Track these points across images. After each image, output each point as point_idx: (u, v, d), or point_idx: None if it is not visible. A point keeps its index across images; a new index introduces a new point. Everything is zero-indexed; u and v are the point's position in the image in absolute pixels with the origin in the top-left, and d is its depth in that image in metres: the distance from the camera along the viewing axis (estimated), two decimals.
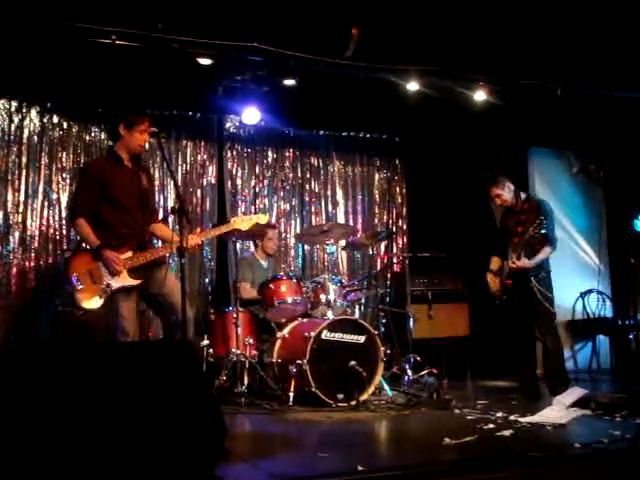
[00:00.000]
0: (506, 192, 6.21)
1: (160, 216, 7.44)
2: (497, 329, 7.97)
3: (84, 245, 5.20)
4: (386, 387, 5.84)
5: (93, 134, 7.55)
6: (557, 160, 9.06)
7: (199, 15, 5.68)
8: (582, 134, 8.38)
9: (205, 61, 6.22)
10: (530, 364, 6.16)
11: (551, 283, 6.11)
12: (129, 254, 4.98)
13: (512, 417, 4.76)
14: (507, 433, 4.21)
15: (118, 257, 4.90)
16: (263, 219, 5.64)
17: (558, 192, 8.89)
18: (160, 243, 5.67)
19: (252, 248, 7.40)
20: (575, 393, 5.24)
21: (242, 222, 5.49)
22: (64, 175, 7.37)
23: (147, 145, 7.44)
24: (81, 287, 4.86)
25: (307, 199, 8.58)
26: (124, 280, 4.93)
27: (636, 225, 8.03)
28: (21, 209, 7.10)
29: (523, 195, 6.29)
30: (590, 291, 8.80)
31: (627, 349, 8.49)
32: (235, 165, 8.21)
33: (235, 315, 5.99)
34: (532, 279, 5.96)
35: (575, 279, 8.77)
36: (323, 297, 6.18)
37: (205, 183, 8.01)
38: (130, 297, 5.01)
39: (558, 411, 4.88)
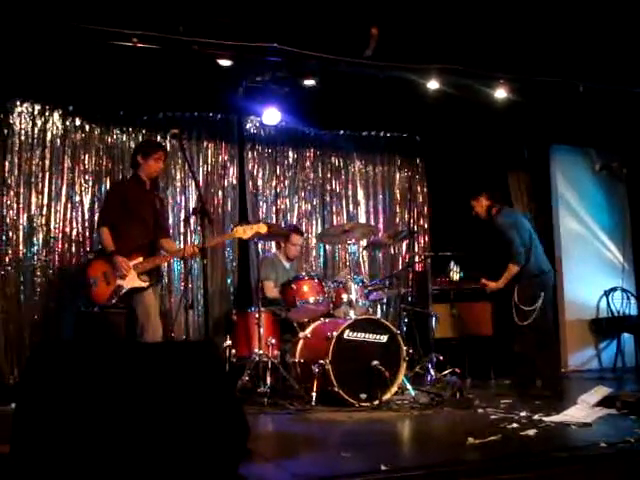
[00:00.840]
0: (478, 206, 6.58)
1: (182, 216, 7.58)
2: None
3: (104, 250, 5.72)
4: (409, 386, 5.83)
5: (115, 136, 7.59)
6: (579, 157, 8.99)
7: (218, 16, 5.70)
8: (604, 131, 8.30)
9: (225, 62, 6.23)
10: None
11: (531, 294, 6.22)
12: (139, 259, 5.56)
13: (536, 416, 4.73)
14: (531, 432, 4.18)
15: (126, 262, 5.49)
16: (263, 228, 5.86)
17: (581, 190, 8.84)
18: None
19: (274, 249, 7.41)
20: (600, 392, 5.20)
21: (244, 231, 5.75)
22: (86, 177, 7.41)
23: (169, 146, 7.54)
24: (96, 287, 5.53)
25: (328, 199, 8.57)
26: (133, 282, 5.51)
27: None
28: (44, 211, 7.15)
29: (494, 211, 6.50)
30: (614, 289, 8.73)
31: None
32: (256, 166, 8.23)
33: (257, 315, 6.01)
34: (515, 287, 6.26)
35: (599, 277, 8.70)
36: (345, 297, 6.18)
37: (226, 184, 8.03)
38: (145, 297, 5.57)
39: (583, 410, 4.84)
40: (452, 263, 7.87)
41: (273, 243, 7.48)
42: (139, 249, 5.61)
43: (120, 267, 5.45)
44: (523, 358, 6.22)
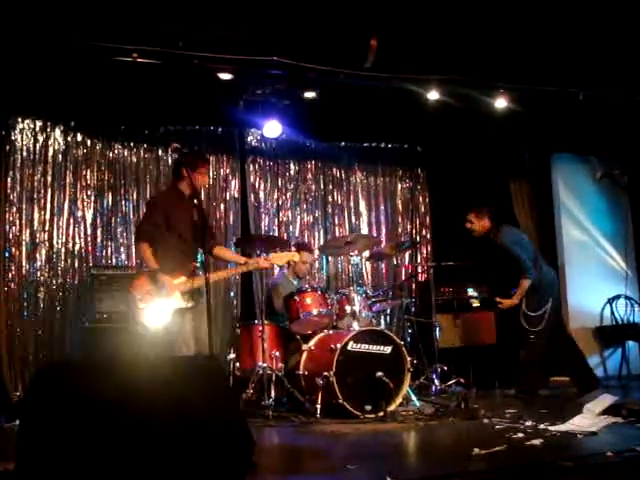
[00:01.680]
0: (470, 226, 6.70)
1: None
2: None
3: (144, 267, 5.69)
4: (414, 397, 5.81)
5: (116, 151, 7.62)
6: (581, 166, 9.00)
7: (219, 31, 5.73)
8: (605, 139, 8.31)
9: (225, 76, 6.26)
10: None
11: (537, 300, 6.31)
12: (182, 279, 5.30)
13: (542, 426, 4.71)
14: (537, 442, 4.16)
15: (170, 281, 5.23)
16: (296, 257, 6.03)
17: (582, 198, 8.84)
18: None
19: (284, 269, 7.32)
20: (605, 400, 5.18)
21: (279, 259, 5.77)
22: (89, 193, 7.44)
23: (170, 160, 7.58)
24: (142, 306, 5.20)
25: (330, 211, 8.58)
26: (177, 302, 5.25)
27: None
28: (47, 227, 7.18)
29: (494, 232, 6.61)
30: (618, 296, 8.71)
31: None
32: (258, 178, 8.25)
33: (261, 328, 6.00)
34: (522, 306, 6.35)
35: (602, 285, 8.69)
36: (348, 308, 6.18)
37: (228, 197, 8.05)
38: (185, 318, 5.29)
39: (588, 419, 4.82)
40: (471, 290, 7.92)
41: None
42: (181, 267, 5.34)
43: (164, 287, 5.20)
44: (530, 365, 6.22)
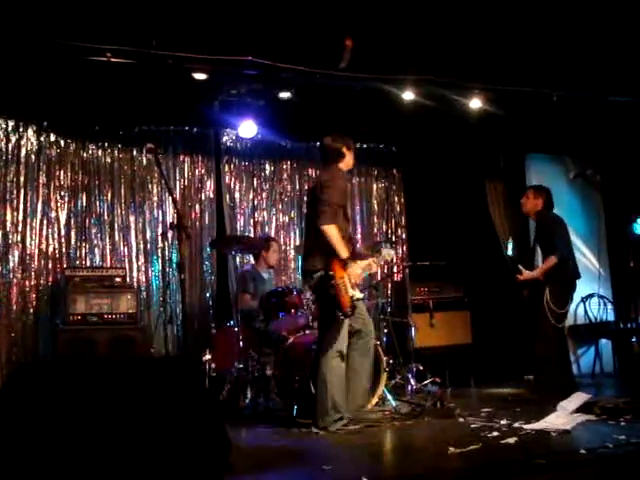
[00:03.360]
0: (525, 200, 6.64)
1: (160, 231, 7.56)
2: (499, 336, 8.03)
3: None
4: (389, 397, 5.82)
5: (90, 152, 7.56)
6: (555, 166, 9.06)
7: (193, 30, 5.70)
8: (579, 139, 8.40)
9: (200, 76, 6.23)
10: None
11: (564, 296, 6.29)
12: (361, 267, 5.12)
13: (516, 424, 4.75)
14: (512, 440, 4.19)
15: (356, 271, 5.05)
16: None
17: (556, 197, 8.78)
18: None
19: (252, 261, 7.39)
20: (579, 398, 5.22)
21: (387, 255, 5.59)
22: (62, 193, 7.37)
23: (144, 161, 7.54)
24: (341, 294, 4.91)
25: (306, 211, 8.56)
26: (358, 292, 5.09)
27: (635, 228, 8.04)
28: (20, 228, 7.10)
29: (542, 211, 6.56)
30: (591, 295, 8.78)
31: (630, 352, 8.47)
32: (233, 179, 8.22)
33: (237, 329, 5.98)
34: (546, 289, 6.17)
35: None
36: None
37: (203, 197, 8.02)
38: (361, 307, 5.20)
39: (562, 417, 4.86)
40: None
41: (251, 257, 7.46)
42: (357, 255, 5.21)
43: (356, 276, 5.03)
44: (547, 360, 6.19)
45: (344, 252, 4.92)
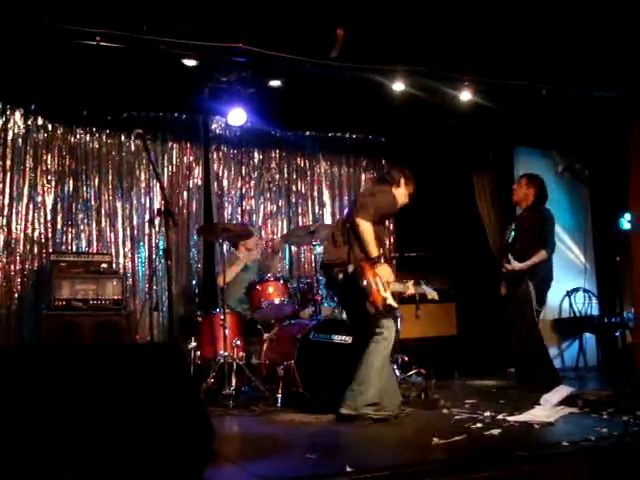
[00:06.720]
0: (517, 188, 6.62)
1: (147, 218, 7.53)
2: (484, 328, 8.05)
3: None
4: None
5: (78, 136, 7.51)
6: (543, 159, 9.07)
7: (184, 16, 5.66)
8: (567, 134, 8.43)
9: (190, 62, 6.20)
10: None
11: (543, 293, 6.35)
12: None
13: (500, 416, 4.78)
14: (495, 432, 4.22)
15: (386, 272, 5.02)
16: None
17: None
18: None
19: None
20: (562, 391, 5.26)
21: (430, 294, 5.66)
22: (49, 178, 7.32)
23: (133, 146, 7.51)
24: (373, 290, 4.91)
25: (294, 200, 8.57)
26: (392, 300, 5.03)
27: (621, 224, 8.08)
28: (6, 212, 7.05)
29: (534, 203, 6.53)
30: (576, 289, 8.83)
31: (613, 346, 8.55)
32: (221, 166, 8.19)
33: (222, 317, 5.98)
34: (529, 283, 6.14)
35: (561, 278, 8.75)
36: (310, 297, 6.18)
37: (191, 185, 7.99)
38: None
39: (545, 410, 4.90)
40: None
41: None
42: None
43: (387, 276, 5.02)
44: (526, 354, 6.22)
45: (375, 250, 4.90)
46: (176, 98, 7.40)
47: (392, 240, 8.95)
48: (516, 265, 6.30)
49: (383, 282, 4.91)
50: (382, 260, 5.06)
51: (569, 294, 8.77)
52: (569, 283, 8.82)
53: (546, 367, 6.27)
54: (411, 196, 5.44)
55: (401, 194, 5.35)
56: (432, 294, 5.63)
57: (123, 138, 7.67)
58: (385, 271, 4.97)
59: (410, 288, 5.34)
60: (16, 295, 6.99)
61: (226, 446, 3.98)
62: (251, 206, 8.31)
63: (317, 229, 6.47)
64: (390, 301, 4.94)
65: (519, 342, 6.26)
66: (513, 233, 6.39)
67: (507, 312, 6.44)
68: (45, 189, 7.29)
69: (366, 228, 4.88)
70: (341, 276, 5.02)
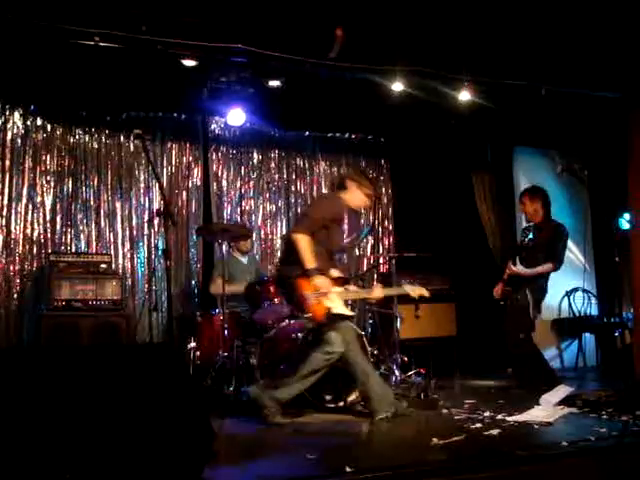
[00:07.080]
0: (522, 207, 6.60)
1: (146, 218, 7.53)
2: (484, 328, 8.05)
3: None
4: None
5: (77, 137, 7.50)
6: (542, 159, 9.08)
7: (183, 16, 5.66)
8: (566, 134, 8.42)
9: (189, 62, 6.18)
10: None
11: (540, 303, 6.35)
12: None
13: (499, 416, 4.78)
14: (495, 432, 4.23)
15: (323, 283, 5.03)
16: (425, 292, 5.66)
17: None
18: None
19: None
20: (562, 391, 5.26)
21: (413, 290, 5.61)
22: (48, 178, 7.32)
23: (132, 147, 7.51)
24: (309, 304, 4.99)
25: (293, 200, 8.57)
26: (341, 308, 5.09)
27: (621, 224, 8.07)
28: (5, 213, 7.04)
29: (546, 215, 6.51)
30: (576, 289, 8.83)
31: (613, 347, 8.53)
32: (220, 167, 8.19)
33: (222, 317, 5.97)
34: (528, 294, 6.20)
35: (561, 277, 8.76)
36: None
37: (190, 185, 7.98)
38: None
39: (545, 410, 4.90)
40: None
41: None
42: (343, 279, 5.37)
43: (324, 287, 5.03)
44: (523, 358, 6.23)
45: (310, 262, 4.88)
46: (175, 98, 7.39)
47: (391, 240, 8.96)
48: (521, 269, 6.29)
49: (320, 293, 4.90)
50: (332, 268, 5.16)
51: (568, 294, 8.77)
52: (568, 283, 8.82)
53: (542, 368, 6.27)
54: (370, 196, 5.43)
55: (354, 197, 5.33)
56: (418, 291, 5.61)
57: (122, 138, 7.66)
58: (323, 282, 4.93)
59: (378, 292, 5.41)
60: (15, 295, 6.99)
61: (226, 446, 3.97)
62: (250, 206, 8.31)
63: None
64: (338, 310, 4.96)
65: (515, 349, 6.28)
66: (527, 239, 6.37)
67: (504, 322, 6.42)
68: (44, 189, 7.29)
69: (299, 240, 4.91)
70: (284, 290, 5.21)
